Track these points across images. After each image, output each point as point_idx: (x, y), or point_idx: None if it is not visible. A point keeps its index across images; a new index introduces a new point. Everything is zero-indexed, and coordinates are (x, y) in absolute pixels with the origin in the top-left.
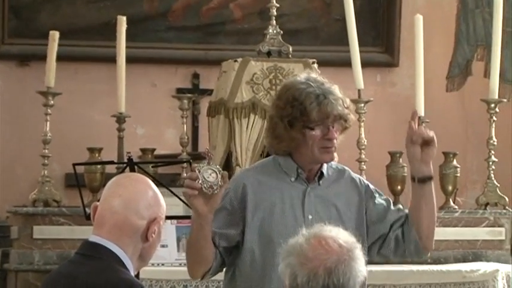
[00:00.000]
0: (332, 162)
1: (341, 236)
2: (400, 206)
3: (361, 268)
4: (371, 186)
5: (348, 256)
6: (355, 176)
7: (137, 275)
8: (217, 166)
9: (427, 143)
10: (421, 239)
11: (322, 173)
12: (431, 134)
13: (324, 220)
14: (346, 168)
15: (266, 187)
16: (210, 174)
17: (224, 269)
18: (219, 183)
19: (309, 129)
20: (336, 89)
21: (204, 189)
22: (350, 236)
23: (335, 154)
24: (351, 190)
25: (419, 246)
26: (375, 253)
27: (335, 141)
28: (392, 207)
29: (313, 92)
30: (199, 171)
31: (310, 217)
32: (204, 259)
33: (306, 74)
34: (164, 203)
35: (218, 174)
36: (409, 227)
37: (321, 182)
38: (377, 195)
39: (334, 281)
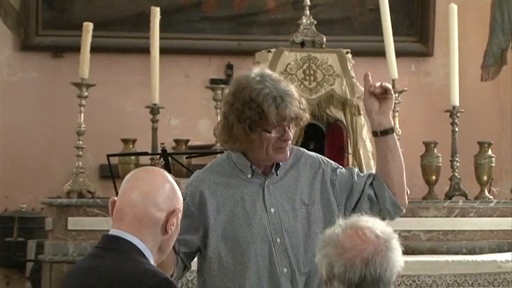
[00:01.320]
0: None
1: (378, 226)
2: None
3: (398, 259)
4: (332, 162)
5: (385, 247)
6: (313, 154)
7: None
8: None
9: (384, 94)
10: (395, 194)
11: (278, 163)
12: (387, 84)
13: (287, 210)
14: (301, 149)
15: (224, 188)
16: None
17: (194, 274)
18: None
19: (266, 131)
20: (292, 89)
21: None
22: (387, 226)
23: (288, 152)
24: (311, 169)
25: (395, 201)
26: None
27: (290, 142)
28: (356, 173)
29: (270, 94)
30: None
31: (272, 210)
32: (164, 265)
33: (259, 69)
34: (181, 195)
35: None
36: (380, 184)
37: (278, 171)
38: (339, 168)
39: (371, 272)
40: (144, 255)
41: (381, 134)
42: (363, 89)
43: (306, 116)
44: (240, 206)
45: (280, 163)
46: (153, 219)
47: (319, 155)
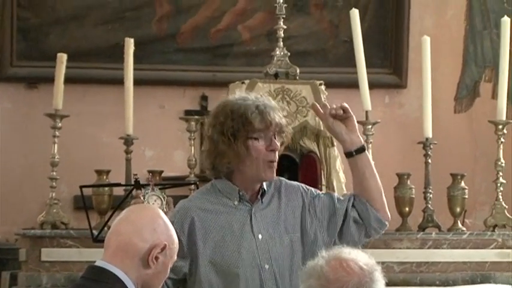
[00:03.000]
0: None
1: (361, 258)
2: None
3: None
4: (312, 189)
5: (369, 278)
6: (294, 183)
7: None
8: (163, 193)
9: (345, 114)
10: (378, 210)
11: (264, 190)
12: (345, 104)
13: (274, 237)
14: (281, 178)
15: (212, 214)
16: (155, 201)
17: None
18: (164, 209)
19: (253, 139)
20: (271, 101)
21: None
22: (370, 258)
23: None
24: (293, 198)
25: (379, 217)
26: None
27: (277, 154)
28: (336, 197)
29: (252, 103)
30: (143, 197)
31: (260, 237)
32: None
33: (236, 94)
34: (176, 237)
35: (163, 200)
36: (362, 203)
37: (263, 199)
38: (319, 194)
39: None
40: (127, 287)
41: (356, 152)
42: None
43: (289, 130)
44: (228, 232)
45: (266, 189)
46: (135, 249)
47: (299, 183)
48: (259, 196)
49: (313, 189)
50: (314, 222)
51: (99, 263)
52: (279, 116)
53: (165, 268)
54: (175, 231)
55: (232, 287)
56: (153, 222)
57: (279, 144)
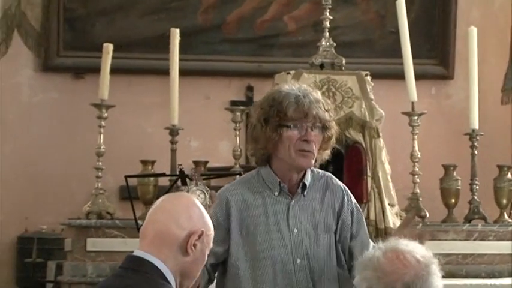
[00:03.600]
0: (316, 169)
1: (418, 250)
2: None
3: (438, 283)
4: (353, 201)
5: (426, 271)
6: (341, 185)
7: None
8: (205, 186)
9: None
10: None
11: (304, 184)
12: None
13: (309, 233)
14: (330, 176)
15: (250, 203)
16: (199, 195)
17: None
18: (208, 203)
19: (285, 127)
20: (318, 93)
21: None
22: (427, 250)
23: (313, 162)
24: (337, 199)
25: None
26: None
27: (313, 145)
28: (361, 236)
29: (293, 92)
30: (187, 192)
31: (295, 231)
32: None
33: (291, 83)
34: (211, 224)
35: (206, 194)
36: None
37: (305, 192)
38: (358, 211)
39: None
40: (165, 277)
41: None
42: (381, 111)
43: (333, 125)
44: (263, 222)
45: (307, 185)
46: (173, 237)
47: (345, 188)
48: (299, 189)
49: (354, 200)
50: (338, 230)
51: (137, 252)
52: (318, 109)
53: (203, 255)
54: (215, 215)
55: (259, 277)
56: (188, 210)
57: (317, 140)
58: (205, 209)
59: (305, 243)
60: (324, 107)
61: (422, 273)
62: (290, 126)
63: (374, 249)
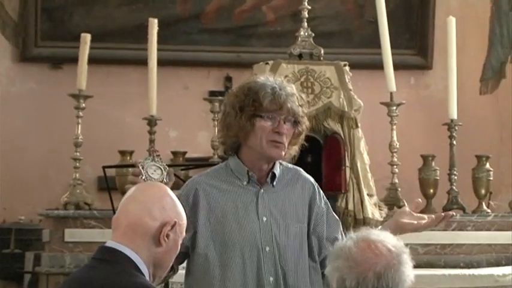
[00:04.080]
0: (284, 162)
1: (389, 240)
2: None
3: (409, 273)
4: (323, 195)
5: (397, 261)
6: (310, 179)
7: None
8: (163, 163)
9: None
10: None
11: (274, 174)
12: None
13: (279, 222)
14: (299, 169)
15: (218, 192)
16: (155, 171)
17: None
18: (165, 180)
19: (259, 117)
20: (293, 87)
21: None
22: (398, 240)
23: (283, 153)
24: (307, 192)
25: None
26: None
27: (285, 138)
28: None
29: (269, 84)
30: (142, 167)
31: (264, 219)
32: None
33: (266, 75)
34: (184, 213)
35: (163, 171)
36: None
37: (274, 183)
38: (328, 205)
39: (383, 286)
40: (138, 267)
41: None
42: (360, 101)
43: (305, 121)
44: (232, 210)
45: (276, 175)
46: (146, 228)
47: (314, 181)
48: (268, 179)
49: (323, 194)
50: (312, 221)
51: (110, 243)
52: (292, 103)
53: (176, 245)
54: (181, 203)
55: (228, 264)
56: (161, 200)
57: (289, 133)
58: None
59: (274, 232)
60: (298, 102)
61: (394, 263)
62: (264, 117)
63: (346, 239)
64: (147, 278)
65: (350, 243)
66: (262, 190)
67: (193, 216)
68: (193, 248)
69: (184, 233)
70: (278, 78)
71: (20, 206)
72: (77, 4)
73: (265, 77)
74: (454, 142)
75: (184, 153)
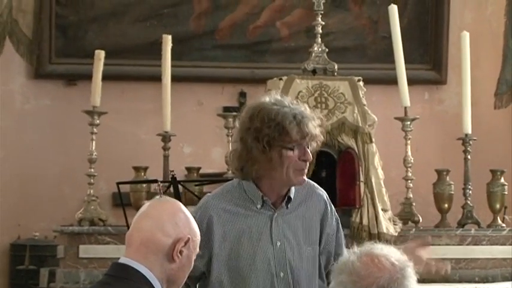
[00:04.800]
0: None
1: (393, 254)
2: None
3: (413, 286)
4: (334, 211)
5: (401, 275)
6: (323, 193)
7: None
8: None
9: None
10: None
11: (289, 197)
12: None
13: (293, 245)
14: (312, 184)
15: (232, 216)
16: None
17: None
18: None
19: (287, 149)
20: (307, 109)
21: None
22: (402, 254)
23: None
24: (320, 209)
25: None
26: None
27: (307, 164)
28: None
29: (289, 112)
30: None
31: (278, 244)
32: None
33: (272, 95)
34: (198, 229)
35: None
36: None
37: (289, 205)
38: (338, 222)
39: None
40: (151, 284)
41: None
42: (374, 116)
43: (321, 138)
44: (246, 236)
45: (292, 197)
46: (159, 245)
47: (327, 197)
48: (283, 203)
49: (334, 210)
50: (322, 242)
51: (123, 259)
52: (314, 126)
53: (189, 261)
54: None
55: None
56: (174, 216)
57: (311, 153)
58: None
59: (288, 256)
60: (315, 123)
61: (397, 276)
62: (292, 149)
63: (349, 253)
64: None
65: (353, 258)
66: (276, 214)
67: (208, 242)
68: (208, 273)
69: (198, 249)
70: (286, 98)
71: (34, 222)
72: (91, 21)
73: (274, 98)
74: (469, 157)
75: (199, 168)
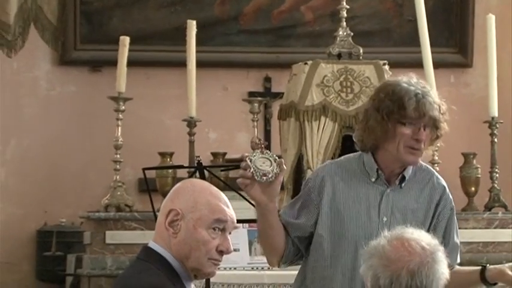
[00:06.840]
0: (421, 162)
1: (423, 238)
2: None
3: (444, 271)
4: (452, 203)
5: (431, 258)
6: (443, 183)
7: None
8: (272, 154)
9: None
10: None
11: (404, 176)
12: None
13: (398, 223)
14: (433, 171)
15: (346, 183)
16: (263, 163)
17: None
18: (275, 170)
19: (401, 124)
20: (435, 93)
21: (256, 177)
22: (432, 238)
23: (419, 159)
24: (433, 197)
25: None
26: None
27: (422, 144)
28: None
29: (413, 90)
30: (250, 161)
31: (385, 219)
32: (273, 248)
33: (407, 76)
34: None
35: (273, 162)
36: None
37: (403, 184)
38: (454, 230)
39: (418, 284)
40: (169, 264)
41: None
42: None
43: (444, 126)
44: (354, 205)
45: (406, 177)
46: (159, 222)
47: (446, 187)
48: (397, 180)
49: (452, 202)
50: (432, 225)
51: (149, 243)
52: (435, 110)
53: (191, 235)
54: (309, 189)
55: (341, 256)
56: (179, 189)
57: (427, 138)
58: (273, 176)
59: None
60: (440, 109)
61: (428, 260)
62: (405, 124)
63: (380, 237)
64: (183, 273)
65: (384, 242)
66: (388, 190)
67: (319, 202)
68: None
69: (204, 227)
70: (421, 81)
71: (61, 208)
72: (116, 7)
73: (406, 78)
74: (495, 140)
75: (224, 154)
